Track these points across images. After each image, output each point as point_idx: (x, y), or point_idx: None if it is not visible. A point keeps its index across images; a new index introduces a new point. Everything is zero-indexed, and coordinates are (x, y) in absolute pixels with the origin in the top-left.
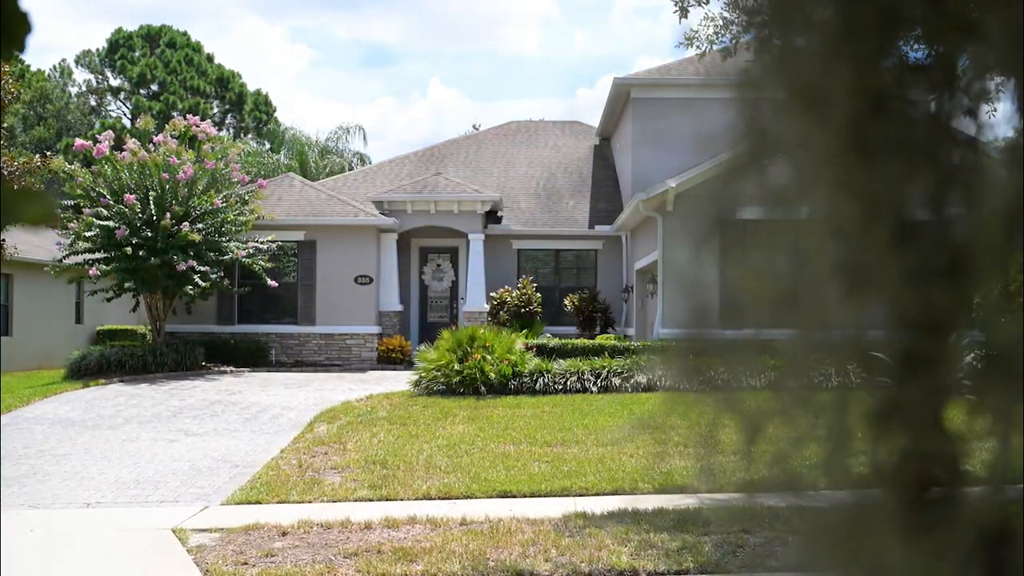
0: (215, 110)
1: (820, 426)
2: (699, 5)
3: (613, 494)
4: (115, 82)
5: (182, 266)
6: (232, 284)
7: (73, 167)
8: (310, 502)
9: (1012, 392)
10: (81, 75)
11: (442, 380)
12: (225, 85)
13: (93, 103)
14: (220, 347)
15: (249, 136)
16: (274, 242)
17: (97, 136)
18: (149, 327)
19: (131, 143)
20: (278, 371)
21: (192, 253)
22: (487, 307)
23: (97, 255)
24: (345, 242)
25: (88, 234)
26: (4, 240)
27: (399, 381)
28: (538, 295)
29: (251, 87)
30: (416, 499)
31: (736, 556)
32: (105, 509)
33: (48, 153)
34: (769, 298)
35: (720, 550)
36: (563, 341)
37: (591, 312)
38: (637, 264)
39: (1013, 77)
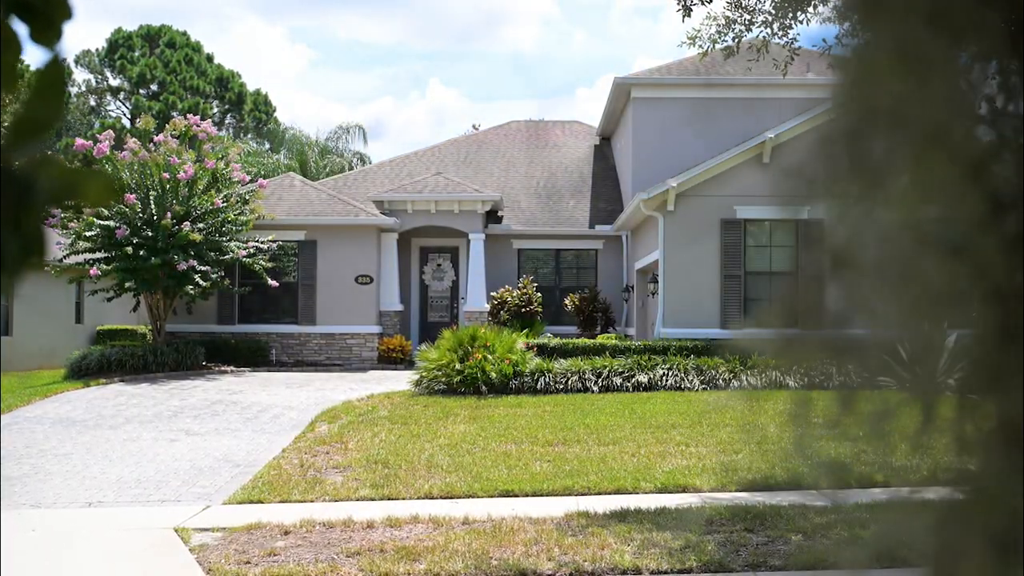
0: (215, 110)
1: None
2: (702, 4)
3: (615, 493)
4: (115, 82)
5: (183, 266)
6: (233, 284)
7: (73, 167)
8: (312, 501)
9: None
10: (81, 75)
11: (443, 380)
12: (225, 85)
13: (93, 103)
14: (221, 347)
15: (249, 136)
16: (275, 242)
17: (97, 136)
18: (149, 327)
19: (131, 143)
20: (279, 371)
21: (193, 253)
22: (487, 307)
23: (97, 255)
24: (346, 242)
25: (88, 234)
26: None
27: (400, 381)
28: (538, 295)
29: (251, 87)
30: (418, 498)
31: (739, 555)
32: (107, 508)
33: (48, 153)
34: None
35: (723, 549)
36: (564, 341)
37: (592, 312)
38: (638, 264)
39: None
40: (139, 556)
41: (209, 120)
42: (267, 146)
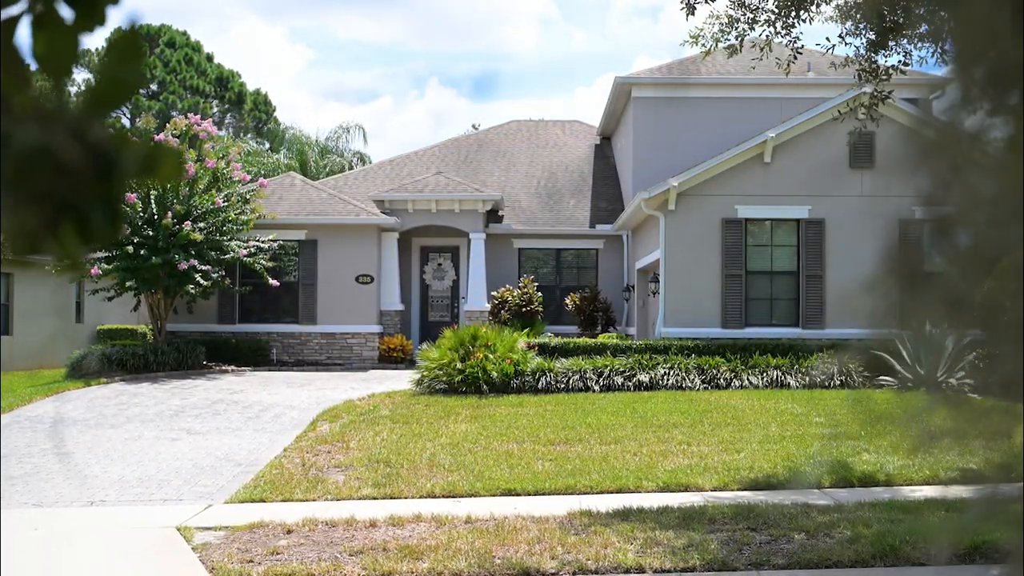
0: (215, 110)
1: None
2: (705, 2)
3: (617, 492)
4: None
5: (183, 265)
6: (233, 283)
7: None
8: (314, 500)
9: None
10: (80, 75)
11: (444, 379)
12: (225, 85)
13: None
14: (221, 346)
15: (249, 136)
16: (275, 241)
17: None
18: (150, 326)
19: None
20: (279, 370)
21: (193, 252)
22: (488, 306)
23: (98, 254)
24: (346, 241)
25: None
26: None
27: (401, 380)
28: (539, 294)
29: (251, 87)
30: (420, 497)
31: (742, 553)
32: (108, 508)
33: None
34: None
35: (726, 547)
36: (565, 340)
37: (592, 311)
38: (638, 263)
39: None
40: (141, 555)
41: (210, 120)
42: (267, 146)
